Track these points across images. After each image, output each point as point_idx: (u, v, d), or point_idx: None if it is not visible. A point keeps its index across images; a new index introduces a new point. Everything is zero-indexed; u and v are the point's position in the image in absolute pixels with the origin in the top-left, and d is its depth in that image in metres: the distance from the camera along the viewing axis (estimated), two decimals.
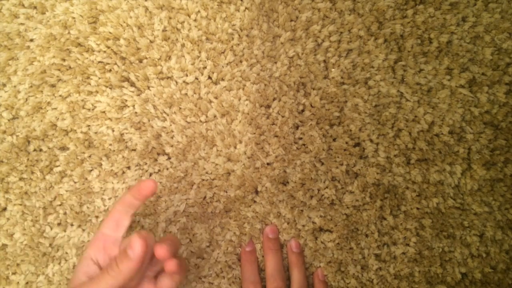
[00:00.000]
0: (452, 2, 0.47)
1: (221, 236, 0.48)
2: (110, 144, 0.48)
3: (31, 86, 0.48)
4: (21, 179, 0.48)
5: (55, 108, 0.48)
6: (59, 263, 0.48)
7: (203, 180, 0.48)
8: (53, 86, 0.48)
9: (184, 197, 0.48)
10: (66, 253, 0.48)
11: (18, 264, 0.48)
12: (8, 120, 0.48)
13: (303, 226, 0.48)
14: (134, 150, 0.48)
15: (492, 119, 0.47)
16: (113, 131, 0.48)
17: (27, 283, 0.48)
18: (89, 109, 0.48)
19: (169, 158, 0.48)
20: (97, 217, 0.48)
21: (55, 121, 0.48)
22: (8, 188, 0.48)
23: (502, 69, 0.47)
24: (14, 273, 0.48)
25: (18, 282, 0.48)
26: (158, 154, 0.48)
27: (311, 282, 0.48)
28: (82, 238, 0.48)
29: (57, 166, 0.48)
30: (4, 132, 0.48)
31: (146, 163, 0.48)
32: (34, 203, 0.48)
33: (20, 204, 0.48)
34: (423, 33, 0.47)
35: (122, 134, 0.48)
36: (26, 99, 0.48)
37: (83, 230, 0.48)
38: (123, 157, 0.48)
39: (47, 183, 0.48)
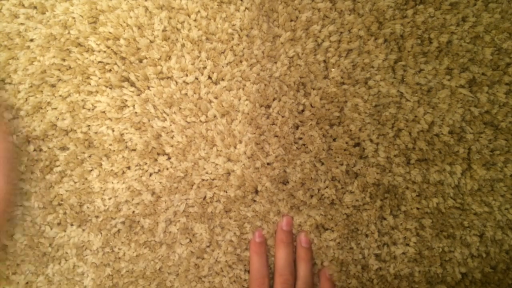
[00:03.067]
0: (452, 2, 0.47)
1: (221, 236, 0.48)
2: (110, 144, 0.48)
3: (31, 86, 0.48)
4: (20, 179, 0.48)
5: (55, 108, 0.48)
6: (59, 263, 0.48)
7: (203, 180, 0.48)
8: (53, 86, 0.48)
9: (184, 197, 0.48)
10: (66, 253, 0.48)
11: (18, 264, 0.48)
12: (8, 120, 0.48)
13: (305, 222, 0.48)
14: (134, 150, 0.48)
15: (492, 119, 0.47)
16: (113, 131, 0.48)
17: (27, 283, 0.48)
18: (89, 109, 0.48)
19: (169, 158, 0.48)
20: (97, 217, 0.48)
21: (55, 121, 0.48)
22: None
23: (502, 69, 0.47)
24: (14, 273, 0.48)
25: (18, 282, 0.48)
26: (158, 154, 0.48)
27: (315, 280, 0.48)
28: (82, 238, 0.48)
29: (57, 166, 0.48)
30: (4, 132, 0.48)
31: (146, 163, 0.48)
32: (33, 203, 0.48)
33: (20, 205, 0.48)
34: (423, 33, 0.47)
35: (122, 134, 0.48)
36: (26, 99, 0.48)
37: (83, 230, 0.48)
38: (123, 157, 0.48)
39: (47, 183, 0.48)
